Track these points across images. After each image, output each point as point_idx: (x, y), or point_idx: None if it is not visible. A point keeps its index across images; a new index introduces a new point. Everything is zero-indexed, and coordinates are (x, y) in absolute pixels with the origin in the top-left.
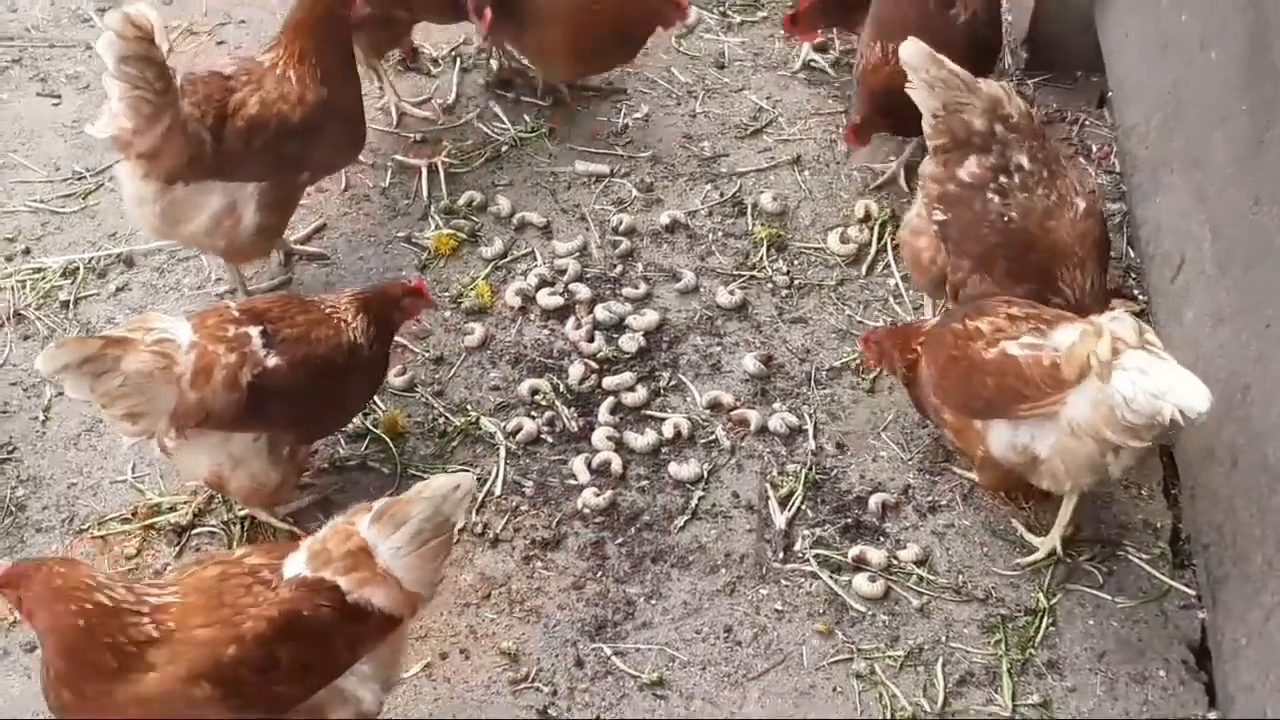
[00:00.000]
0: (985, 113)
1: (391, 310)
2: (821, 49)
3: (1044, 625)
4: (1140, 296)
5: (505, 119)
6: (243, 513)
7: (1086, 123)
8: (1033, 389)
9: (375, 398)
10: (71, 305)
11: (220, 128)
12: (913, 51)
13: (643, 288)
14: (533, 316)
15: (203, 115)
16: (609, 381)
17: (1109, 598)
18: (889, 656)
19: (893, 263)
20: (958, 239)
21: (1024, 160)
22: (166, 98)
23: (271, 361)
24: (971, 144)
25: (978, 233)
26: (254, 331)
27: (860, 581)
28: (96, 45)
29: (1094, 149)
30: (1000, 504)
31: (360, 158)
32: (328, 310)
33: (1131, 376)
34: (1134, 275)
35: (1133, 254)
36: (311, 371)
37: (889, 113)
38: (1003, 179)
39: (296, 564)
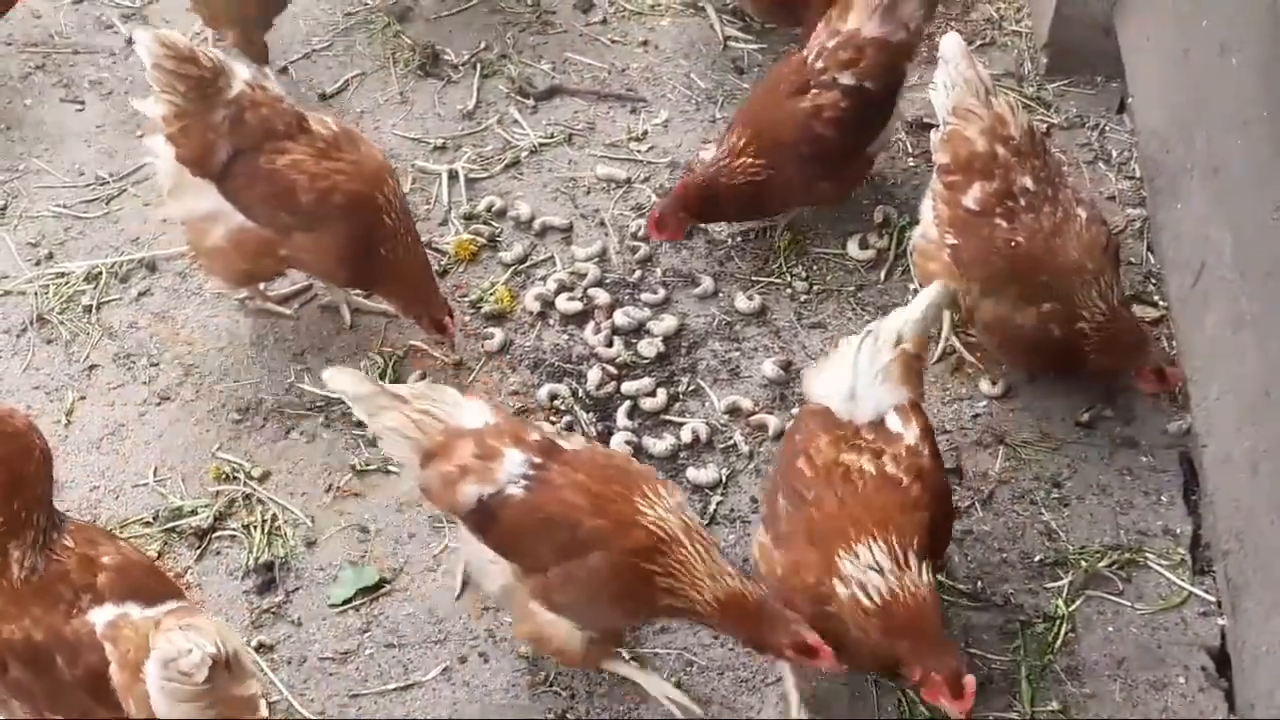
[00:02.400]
0: (987, 132)
1: None
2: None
3: (1063, 631)
4: (1160, 302)
5: (525, 124)
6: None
7: (1106, 128)
8: None
9: None
10: (94, 310)
11: (242, 152)
12: (952, 44)
13: (661, 293)
14: (552, 321)
15: (233, 130)
16: (628, 386)
17: (1128, 604)
18: None
19: (912, 268)
20: (968, 263)
21: (1028, 182)
22: (194, 103)
23: (511, 491)
24: (974, 169)
25: (987, 258)
26: (517, 457)
27: None
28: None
29: (1114, 154)
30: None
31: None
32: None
33: None
34: (1154, 281)
35: (1153, 259)
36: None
37: (709, 204)
38: (1008, 203)
39: None
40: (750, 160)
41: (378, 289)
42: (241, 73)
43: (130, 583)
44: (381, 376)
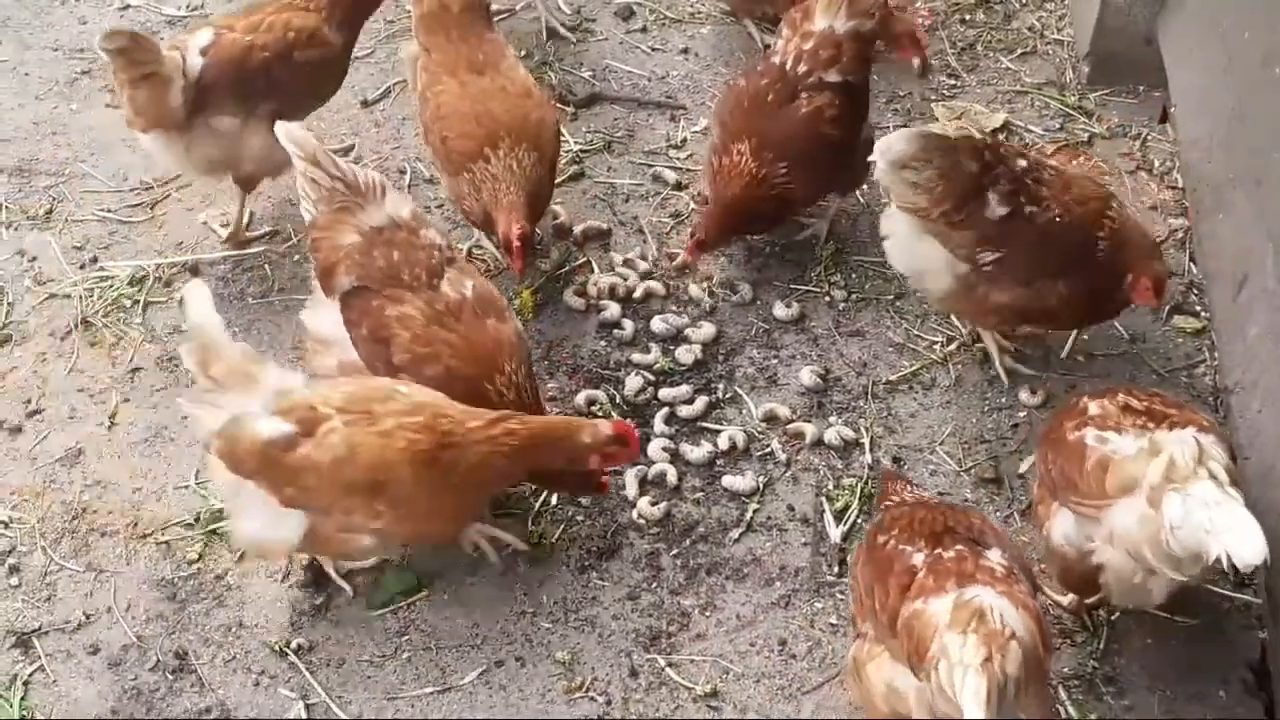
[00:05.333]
0: (972, 153)
1: None
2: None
3: (1102, 643)
4: (1202, 313)
5: (565, 132)
6: None
7: (1149, 138)
8: (1085, 484)
9: None
10: (138, 312)
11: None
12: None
13: (700, 300)
14: (590, 328)
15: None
16: (665, 393)
17: (1168, 616)
18: None
19: None
20: (1013, 266)
21: (1021, 161)
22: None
23: None
24: (981, 187)
25: (1040, 251)
26: None
27: None
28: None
29: (1156, 164)
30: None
31: (423, 171)
32: None
33: (1188, 506)
34: (1196, 291)
35: (1195, 270)
36: None
37: (749, 219)
38: (1025, 192)
39: None
40: (759, 164)
41: None
42: (397, 206)
43: None
44: None
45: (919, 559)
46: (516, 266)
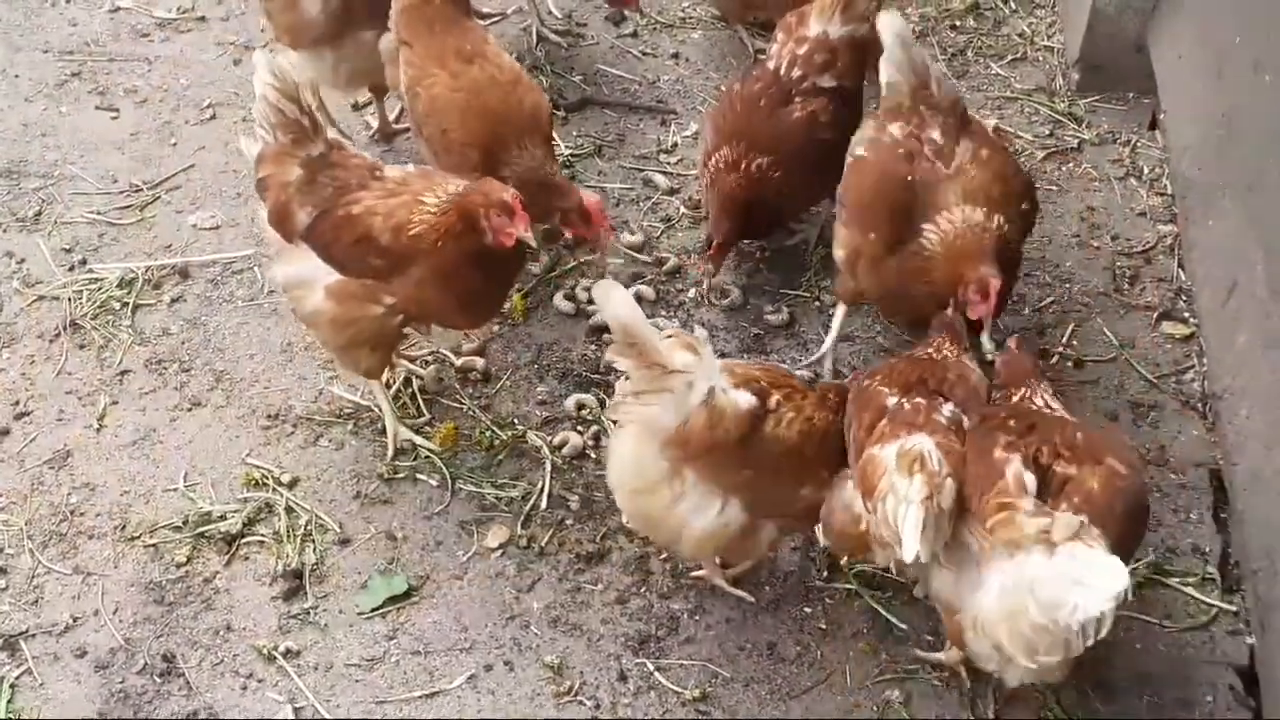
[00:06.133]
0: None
1: None
2: None
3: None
4: (1191, 320)
5: (556, 135)
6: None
7: (1138, 144)
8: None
9: (429, 408)
10: (127, 315)
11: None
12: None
13: (690, 304)
14: (580, 332)
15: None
16: None
17: (1156, 622)
18: (935, 677)
19: None
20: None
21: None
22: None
23: None
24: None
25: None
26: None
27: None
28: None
29: (1145, 170)
30: None
31: None
32: None
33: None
34: (1185, 298)
35: (1183, 276)
36: None
37: (752, 219)
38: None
39: None
40: (754, 165)
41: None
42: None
43: None
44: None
45: (890, 402)
46: (605, 225)
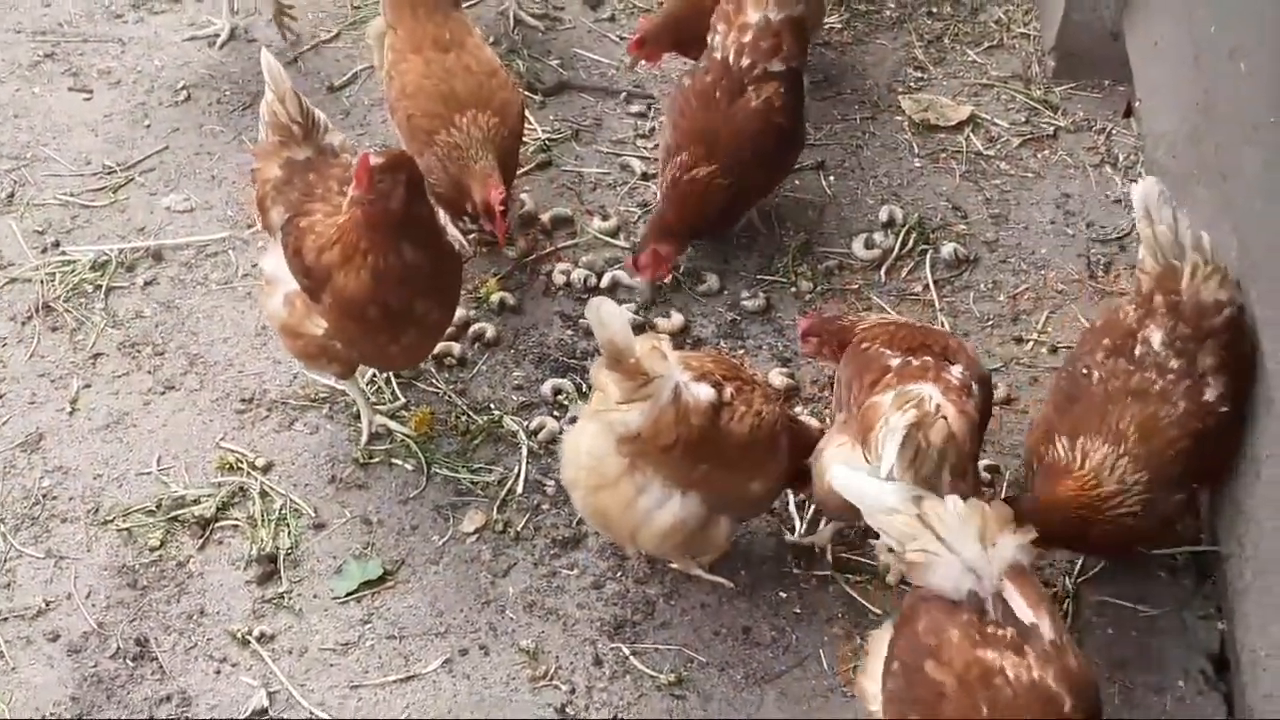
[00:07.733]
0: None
1: None
2: None
3: None
4: None
5: (533, 120)
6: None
7: (1113, 132)
8: None
9: (405, 393)
10: (100, 298)
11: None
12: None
13: (667, 289)
14: (556, 317)
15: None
16: None
17: (1129, 606)
18: None
19: (928, 269)
20: None
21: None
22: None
23: None
24: None
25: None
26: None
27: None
28: None
29: (1120, 158)
30: None
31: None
32: None
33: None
34: None
35: None
36: None
37: (709, 223)
38: None
39: None
40: (713, 171)
41: None
42: (331, 139)
43: None
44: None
45: (895, 362)
46: (500, 230)
